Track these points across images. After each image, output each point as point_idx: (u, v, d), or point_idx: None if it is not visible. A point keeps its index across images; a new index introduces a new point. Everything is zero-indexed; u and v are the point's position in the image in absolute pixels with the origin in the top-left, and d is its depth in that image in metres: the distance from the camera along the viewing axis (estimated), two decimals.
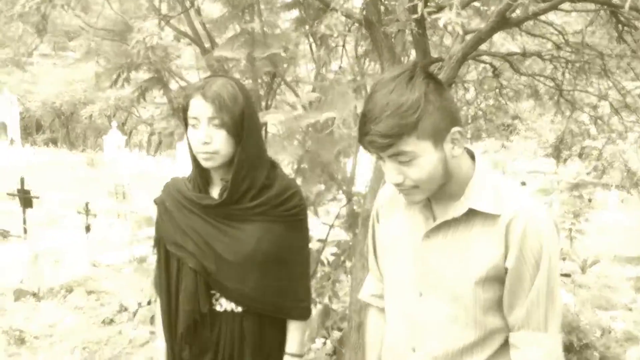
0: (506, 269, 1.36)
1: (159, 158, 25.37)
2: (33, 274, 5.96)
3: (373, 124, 1.28)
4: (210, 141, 1.68)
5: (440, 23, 2.02)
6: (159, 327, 1.92)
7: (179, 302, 1.81)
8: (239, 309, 1.81)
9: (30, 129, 37.47)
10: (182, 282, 1.80)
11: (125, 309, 5.29)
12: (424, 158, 1.31)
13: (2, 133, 31.18)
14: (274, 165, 1.88)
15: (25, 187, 8.51)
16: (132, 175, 14.96)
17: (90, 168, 23.13)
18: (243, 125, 1.71)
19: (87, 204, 8.44)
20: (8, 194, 8.99)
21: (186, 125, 1.74)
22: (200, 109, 1.68)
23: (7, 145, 28.80)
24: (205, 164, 1.73)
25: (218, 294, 1.82)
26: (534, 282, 1.35)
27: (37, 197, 8.87)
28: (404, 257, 1.51)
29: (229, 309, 1.82)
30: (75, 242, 7.63)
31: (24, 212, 8.48)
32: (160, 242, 1.87)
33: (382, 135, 1.27)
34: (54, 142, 34.76)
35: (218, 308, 1.82)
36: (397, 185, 1.38)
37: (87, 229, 8.41)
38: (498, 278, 1.37)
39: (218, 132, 1.69)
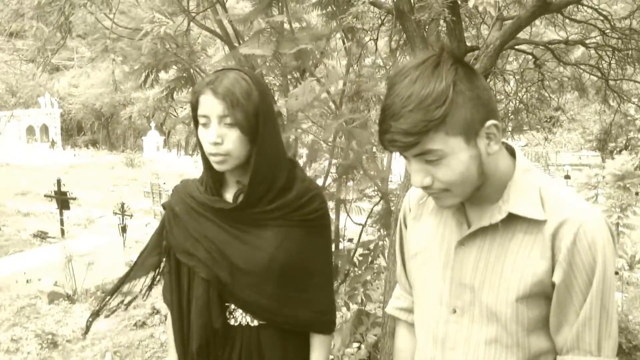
0: (553, 284, 1.18)
1: (197, 157, 25.57)
2: (67, 276, 5.95)
3: (393, 120, 1.11)
4: (222, 142, 1.52)
5: (470, 3, 1.85)
6: (171, 343, 1.77)
7: (191, 316, 1.67)
8: (255, 322, 1.66)
9: (72, 131, 38.29)
10: (194, 294, 1.65)
11: (158, 312, 5.22)
12: (455, 157, 1.14)
13: (44, 135, 31.98)
14: (293, 165, 1.71)
15: (63, 189, 8.57)
16: (170, 175, 15.06)
17: (129, 169, 23.45)
18: (258, 124, 1.54)
19: (122, 204, 8.45)
20: (45, 196, 9.07)
21: (197, 124, 1.59)
22: (210, 106, 1.52)
23: (47, 147, 29.50)
24: (218, 167, 1.58)
25: (233, 307, 1.67)
26: (585, 300, 1.16)
27: (74, 199, 8.94)
28: (434, 268, 1.33)
29: (243, 322, 1.67)
30: (111, 243, 7.63)
31: (61, 213, 8.56)
32: (169, 251, 1.72)
33: (404, 132, 1.10)
34: (94, 143, 35.47)
35: (232, 322, 1.67)
36: (425, 188, 1.20)
37: (123, 229, 8.43)
38: (544, 294, 1.19)
39: (230, 132, 1.52)
